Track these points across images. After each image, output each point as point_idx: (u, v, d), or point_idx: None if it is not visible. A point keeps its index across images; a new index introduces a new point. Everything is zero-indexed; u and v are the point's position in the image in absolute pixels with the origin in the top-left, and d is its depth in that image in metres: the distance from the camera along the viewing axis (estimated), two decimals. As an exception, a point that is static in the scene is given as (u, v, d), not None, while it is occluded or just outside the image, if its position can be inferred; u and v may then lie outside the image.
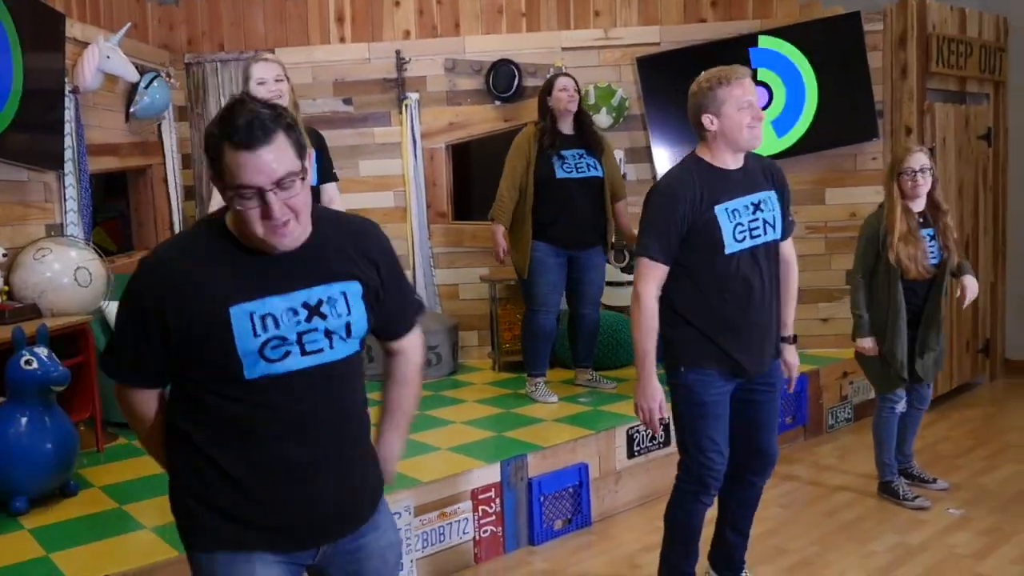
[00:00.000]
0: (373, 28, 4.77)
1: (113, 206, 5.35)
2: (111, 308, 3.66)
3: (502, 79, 4.68)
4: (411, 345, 1.61)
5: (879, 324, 3.18)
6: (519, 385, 4.08)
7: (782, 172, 2.41)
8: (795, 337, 2.47)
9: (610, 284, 4.65)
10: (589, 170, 3.79)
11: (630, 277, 4.63)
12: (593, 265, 3.90)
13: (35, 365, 2.69)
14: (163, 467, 1.52)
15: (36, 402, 2.71)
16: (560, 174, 3.75)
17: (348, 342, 1.42)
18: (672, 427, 2.54)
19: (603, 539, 3.13)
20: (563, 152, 3.76)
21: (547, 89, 3.79)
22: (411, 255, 4.81)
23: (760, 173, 2.34)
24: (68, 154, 3.73)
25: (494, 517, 3.00)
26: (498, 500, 3.01)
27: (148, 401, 1.48)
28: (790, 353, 2.46)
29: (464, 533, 2.93)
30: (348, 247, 1.44)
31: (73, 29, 3.84)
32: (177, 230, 4.66)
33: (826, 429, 4.31)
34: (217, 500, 1.40)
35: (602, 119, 4.61)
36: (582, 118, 3.83)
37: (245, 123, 1.28)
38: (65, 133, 3.71)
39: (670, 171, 2.37)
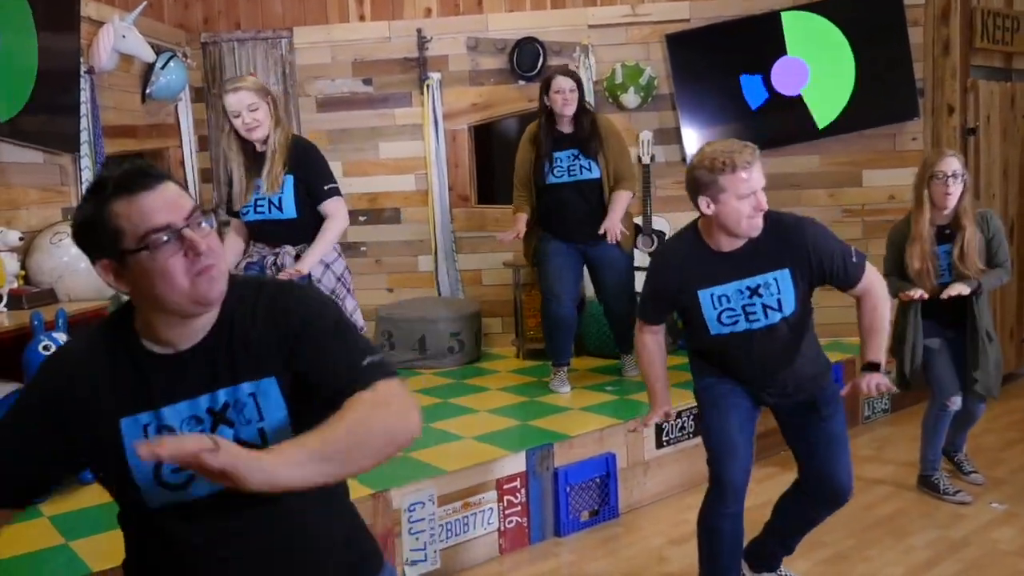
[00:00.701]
0: (393, 6, 4.68)
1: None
2: (129, 293, 3.62)
3: (526, 58, 4.57)
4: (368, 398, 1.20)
5: (898, 329, 3.14)
6: (544, 373, 4.00)
7: (815, 236, 2.17)
8: (877, 365, 2.27)
9: (637, 270, 4.54)
10: (582, 172, 3.66)
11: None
12: (605, 260, 3.75)
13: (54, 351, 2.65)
14: None
15: (54, 388, 2.67)
16: (551, 180, 3.68)
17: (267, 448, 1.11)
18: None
19: (630, 531, 3.08)
20: (557, 154, 3.66)
21: (544, 87, 3.66)
22: (433, 239, 4.73)
23: (772, 250, 2.15)
24: (84, 136, 3.70)
25: (519, 508, 2.95)
26: (523, 490, 2.96)
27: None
28: (864, 376, 2.30)
29: (488, 524, 2.88)
30: (266, 333, 1.19)
31: (88, 8, 3.79)
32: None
33: (862, 420, 4.20)
34: None
35: (630, 99, 4.49)
36: (581, 116, 3.64)
37: (125, 173, 1.12)
38: (81, 115, 3.67)
39: (668, 240, 2.41)
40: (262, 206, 2.88)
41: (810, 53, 4.40)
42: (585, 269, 3.84)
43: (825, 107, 4.43)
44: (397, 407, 1.14)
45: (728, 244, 2.15)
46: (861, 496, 3.29)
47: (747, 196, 2.05)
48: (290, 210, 2.87)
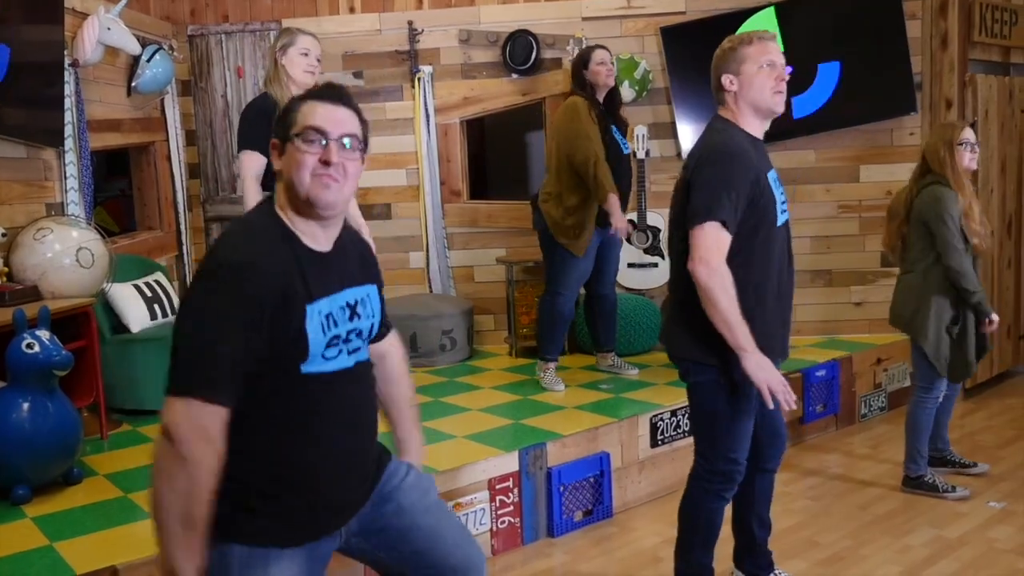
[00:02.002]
0: (384, -2, 4.62)
1: (115, 185, 5.27)
2: (114, 290, 3.57)
3: (519, 51, 4.51)
4: (395, 343, 1.73)
5: (945, 312, 3.06)
6: (537, 371, 3.95)
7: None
8: None
9: (632, 266, 4.51)
10: (625, 147, 3.76)
11: (653, 259, 4.49)
12: (615, 243, 3.84)
13: (37, 349, 2.63)
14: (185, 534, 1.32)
15: (38, 387, 2.65)
16: (626, 150, 3.72)
17: (367, 345, 1.55)
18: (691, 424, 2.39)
19: (625, 531, 3.05)
20: (612, 128, 3.68)
21: (583, 62, 3.65)
22: (424, 235, 4.68)
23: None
24: (68, 130, 3.64)
25: (512, 508, 2.91)
26: (516, 490, 2.92)
27: (221, 427, 1.33)
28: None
29: (480, 524, 2.85)
30: (363, 256, 1.58)
31: (72, 0, 3.71)
32: (181, 209, 4.57)
33: (859, 418, 4.17)
34: (252, 497, 1.41)
35: (625, 93, 4.44)
36: (615, 94, 3.75)
37: (327, 85, 1.47)
38: (65, 108, 3.61)
39: (719, 135, 2.11)
40: None
41: (806, 46, 4.35)
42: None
43: (821, 101, 4.40)
44: (405, 358, 1.79)
45: (759, 130, 2.14)
46: (857, 495, 3.27)
47: (769, 66, 2.07)
48: None
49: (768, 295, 2.13)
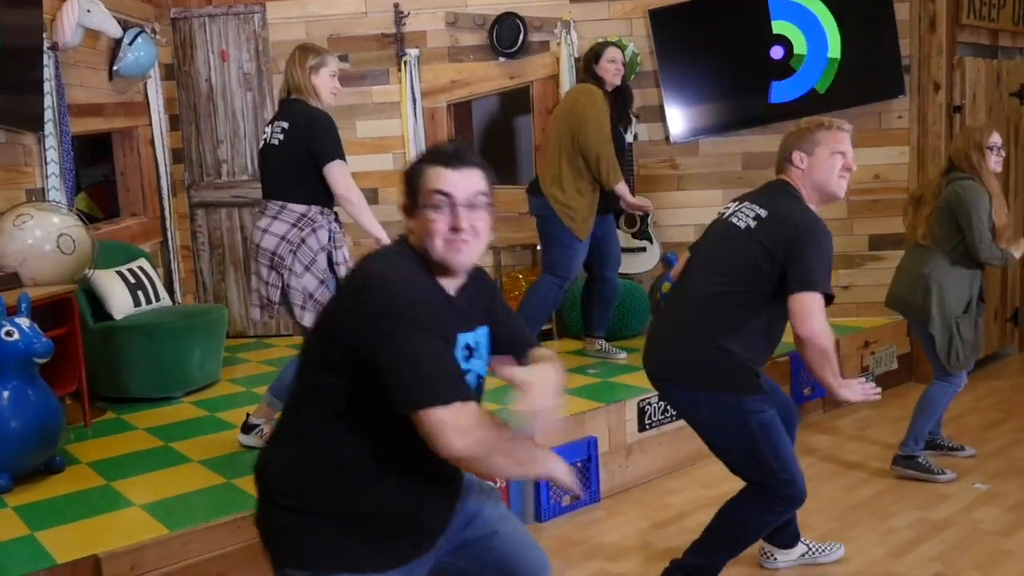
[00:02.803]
0: (370, -20, 4.56)
1: (99, 171, 5.21)
2: (97, 277, 3.53)
3: (506, 34, 4.47)
4: (546, 353, 1.68)
5: (963, 301, 3.13)
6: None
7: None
8: None
9: (622, 250, 4.50)
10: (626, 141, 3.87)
11: (641, 243, 4.48)
12: (612, 225, 3.91)
13: (16, 336, 2.60)
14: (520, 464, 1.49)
15: (18, 375, 2.62)
16: (629, 139, 3.84)
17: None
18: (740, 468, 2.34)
19: (613, 515, 3.05)
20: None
21: (595, 56, 3.69)
22: (412, 220, 4.64)
23: None
24: (48, 115, 3.60)
25: (499, 493, 2.89)
26: (503, 476, 2.90)
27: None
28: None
29: (468, 510, 2.83)
30: (481, 296, 1.58)
31: (51, -19, 3.65)
32: (165, 195, 4.52)
33: (845, 402, 4.16)
34: (352, 525, 1.43)
35: (612, 76, 4.41)
36: (624, 90, 3.81)
37: (455, 149, 1.47)
38: (45, 92, 3.56)
39: (800, 204, 2.23)
40: None
41: (794, 30, 4.33)
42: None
43: (810, 84, 4.38)
44: (558, 366, 1.69)
45: (813, 206, 2.25)
46: (843, 478, 3.29)
47: (838, 153, 2.20)
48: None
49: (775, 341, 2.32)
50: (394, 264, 1.45)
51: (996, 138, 3.15)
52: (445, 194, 1.42)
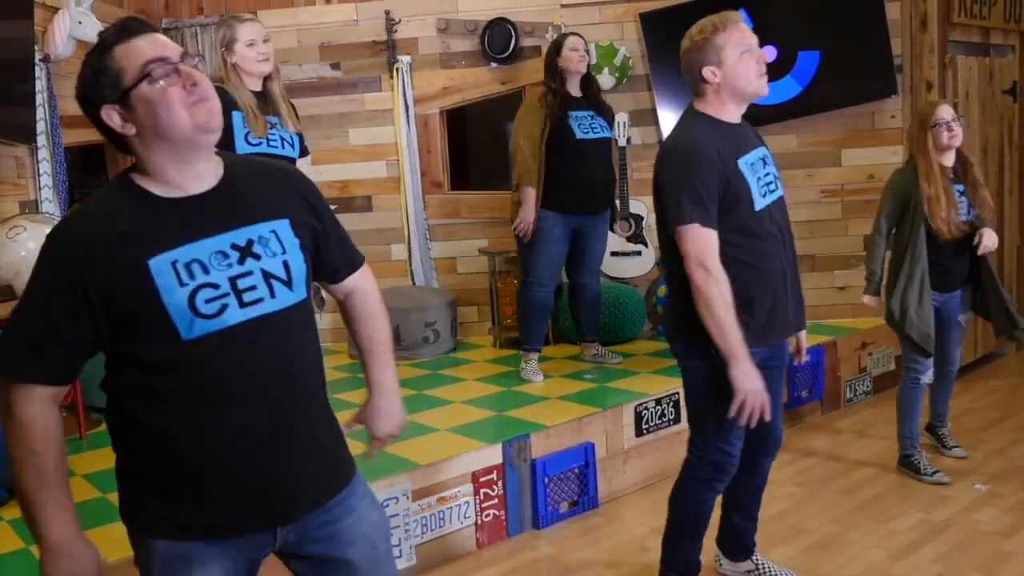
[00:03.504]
0: (361, -13, 4.56)
1: (94, 182, 5.20)
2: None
3: (498, 40, 4.47)
4: (362, 279, 1.55)
5: (899, 285, 3.06)
6: (519, 362, 3.93)
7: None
8: None
9: (615, 255, 4.49)
10: (602, 131, 3.69)
11: (636, 247, 4.47)
12: (598, 233, 3.80)
13: (9, 350, 2.56)
14: (35, 515, 1.27)
15: (11, 389, 2.58)
16: (579, 135, 3.63)
17: (290, 291, 1.33)
18: (687, 411, 2.37)
19: (611, 521, 3.03)
20: (576, 113, 3.64)
21: (556, 49, 3.65)
22: (406, 227, 4.64)
23: (753, 130, 2.22)
24: (40, 127, 3.58)
25: (496, 500, 2.89)
26: (500, 483, 2.90)
27: (45, 409, 1.26)
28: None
29: (465, 518, 2.82)
30: (271, 187, 1.37)
31: (41, -7, 3.65)
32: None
33: (844, 403, 4.17)
34: (164, 483, 1.30)
35: (604, 80, 4.41)
36: (591, 81, 3.73)
37: (123, 23, 1.27)
38: (37, 104, 3.55)
39: (683, 130, 2.15)
40: (275, 142, 2.83)
41: (786, 30, 4.34)
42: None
43: (801, 86, 4.38)
44: (379, 295, 1.58)
45: (737, 114, 2.13)
46: (843, 480, 3.27)
47: (748, 50, 2.05)
48: (297, 151, 2.93)
49: (773, 276, 2.12)
50: (84, 206, 1.30)
51: (943, 112, 2.98)
52: (162, 59, 1.22)
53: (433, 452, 2.85)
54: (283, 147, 2.86)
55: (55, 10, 3.68)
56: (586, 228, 3.73)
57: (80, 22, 3.65)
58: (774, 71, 4.33)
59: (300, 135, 2.97)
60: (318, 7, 4.56)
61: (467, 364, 4.18)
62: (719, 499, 2.42)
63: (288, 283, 1.32)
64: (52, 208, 3.60)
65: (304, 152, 3.02)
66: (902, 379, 3.23)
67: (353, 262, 1.52)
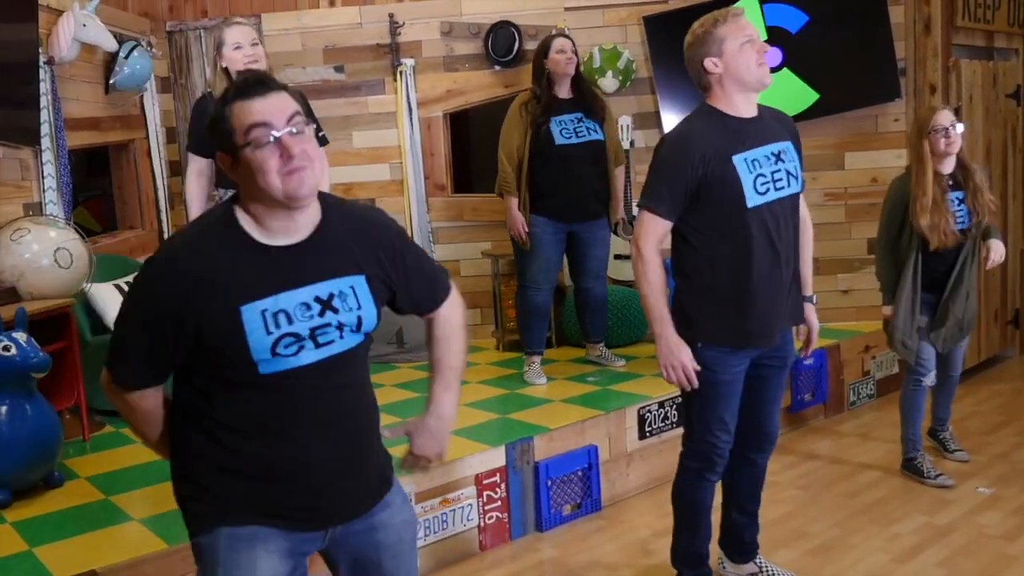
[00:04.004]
0: (364, -9, 4.58)
1: (98, 184, 5.21)
2: (94, 291, 3.52)
3: (501, 42, 4.48)
4: (447, 309, 1.62)
5: (896, 293, 3.07)
6: (523, 364, 3.93)
7: (794, 124, 2.30)
8: (814, 297, 2.35)
9: (619, 257, 4.49)
10: (589, 134, 3.63)
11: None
12: (596, 240, 3.74)
13: (13, 351, 2.59)
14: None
15: (16, 390, 2.61)
16: (559, 140, 3.59)
17: (358, 334, 1.45)
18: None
19: (614, 524, 3.03)
20: (561, 117, 3.60)
21: (543, 51, 3.62)
22: (409, 230, 4.64)
23: (775, 122, 2.21)
24: (45, 129, 3.58)
25: (499, 503, 2.89)
26: (503, 485, 2.90)
27: (156, 398, 1.47)
28: (811, 312, 2.34)
29: (468, 520, 2.82)
30: (355, 240, 1.45)
31: (47, -4, 3.66)
32: (163, 207, 4.52)
33: (847, 406, 4.16)
34: (229, 486, 1.41)
35: (608, 83, 4.41)
36: (580, 81, 3.66)
37: (244, 80, 1.36)
38: (41, 107, 3.56)
39: (681, 122, 2.23)
40: None
41: (789, 34, 4.33)
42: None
43: (799, 91, 4.38)
44: (461, 321, 1.62)
45: (746, 107, 2.13)
46: (846, 483, 3.27)
47: (747, 42, 2.07)
48: None
49: (752, 276, 2.12)
50: (180, 235, 1.45)
51: (941, 118, 2.95)
52: (264, 124, 1.31)
53: (436, 454, 2.86)
54: None
55: (60, 13, 3.69)
56: (583, 234, 3.70)
57: (84, 25, 3.67)
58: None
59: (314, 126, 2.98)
60: (322, 10, 4.58)
61: (470, 367, 4.17)
62: (719, 499, 2.43)
63: (357, 330, 1.43)
64: (56, 210, 3.61)
65: (322, 142, 3.02)
66: (904, 382, 3.24)
67: (436, 297, 1.59)
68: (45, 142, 3.58)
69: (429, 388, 1.64)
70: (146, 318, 1.37)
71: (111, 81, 4.09)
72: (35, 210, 3.55)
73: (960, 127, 2.99)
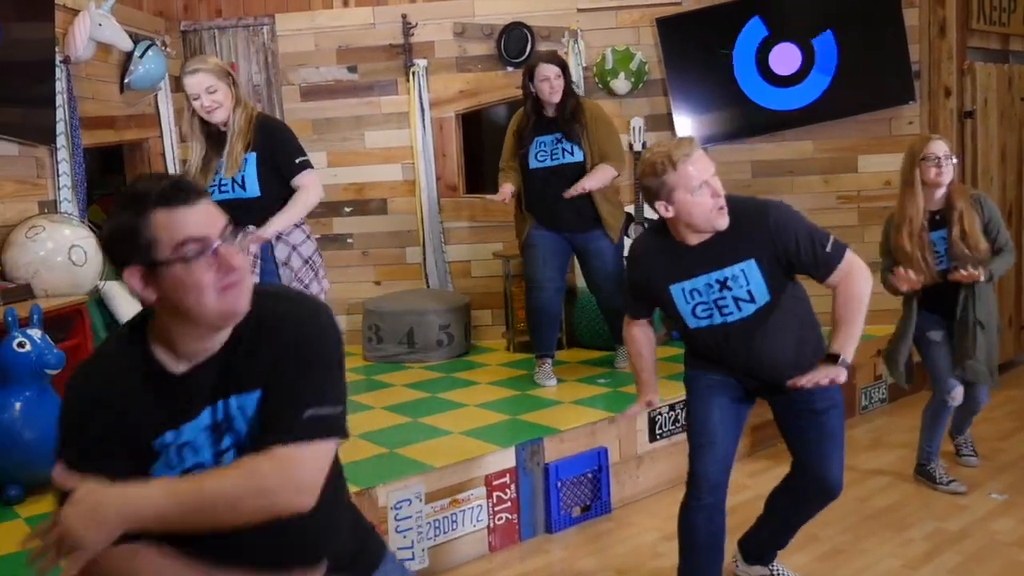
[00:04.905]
0: (378, -9, 4.59)
1: (112, 182, 5.25)
2: (108, 288, 3.55)
3: (514, 44, 4.48)
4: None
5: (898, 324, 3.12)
6: (534, 366, 3.93)
7: (777, 221, 2.08)
8: (839, 358, 2.09)
9: (629, 259, 4.48)
10: (564, 156, 3.59)
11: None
12: (593, 251, 3.68)
13: (28, 348, 2.61)
14: None
15: (30, 386, 2.63)
16: (533, 164, 3.63)
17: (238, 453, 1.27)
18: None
19: (623, 527, 3.02)
20: (541, 138, 3.61)
21: (529, 74, 3.58)
22: (420, 230, 4.65)
23: (735, 241, 2.06)
24: (60, 127, 3.61)
25: (509, 504, 2.89)
26: (513, 486, 2.89)
27: None
28: (822, 365, 2.11)
29: (478, 521, 2.82)
30: (265, 344, 1.25)
31: (63, -5, 3.69)
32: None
33: (859, 411, 4.14)
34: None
35: (620, 85, 4.41)
36: (567, 101, 3.56)
37: (171, 185, 1.18)
38: (57, 105, 3.58)
39: (641, 234, 2.45)
40: (225, 186, 2.85)
41: (803, 36, 4.32)
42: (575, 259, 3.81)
43: (818, 92, 4.36)
44: (278, 480, 1.18)
45: (695, 238, 2.09)
46: (858, 488, 3.25)
47: (699, 187, 1.99)
48: (253, 188, 2.85)
49: (717, 349, 2.21)
50: (98, 359, 1.29)
51: (936, 147, 2.88)
52: (201, 239, 1.16)
53: (446, 455, 2.85)
54: (233, 190, 2.84)
55: (76, 12, 3.72)
56: (579, 244, 3.69)
57: (100, 24, 3.70)
58: (791, 77, 4.35)
59: (261, 157, 2.84)
60: (336, 10, 4.59)
61: (480, 367, 4.18)
62: (748, 510, 2.46)
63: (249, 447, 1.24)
64: (71, 208, 3.63)
65: (297, 170, 2.87)
66: (932, 398, 3.20)
67: (274, 434, 1.25)
68: (60, 140, 3.61)
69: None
70: (72, 442, 1.24)
71: (126, 80, 4.12)
72: (50, 208, 3.58)
73: (950, 159, 2.90)
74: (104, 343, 1.34)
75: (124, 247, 1.18)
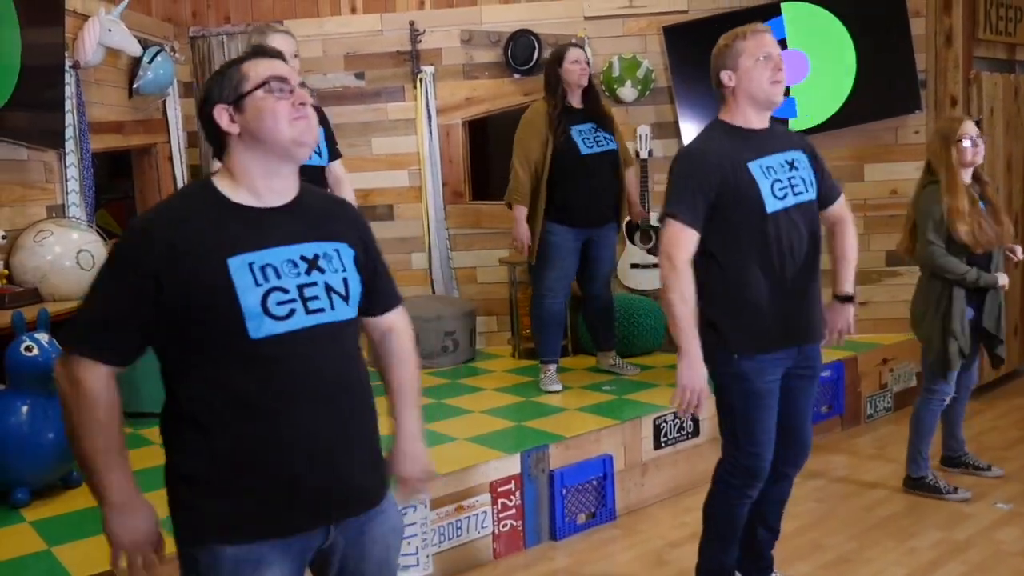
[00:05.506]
0: (386, -2, 4.61)
1: (120, 187, 5.27)
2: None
3: (521, 51, 4.49)
4: (401, 320, 1.61)
5: (939, 306, 3.04)
6: (539, 372, 3.93)
7: (806, 139, 2.36)
8: (851, 297, 2.35)
9: (635, 267, 4.49)
10: (607, 143, 3.69)
11: (655, 260, 4.45)
12: (607, 243, 3.81)
13: (36, 351, 2.62)
14: (100, 479, 1.36)
15: (37, 390, 2.63)
16: (584, 150, 3.63)
17: (347, 305, 1.43)
18: (717, 418, 2.38)
19: (629, 534, 3.02)
20: (577, 127, 3.63)
21: (557, 60, 3.64)
22: (427, 236, 4.66)
23: (787, 135, 2.32)
24: (69, 132, 3.64)
25: (514, 511, 2.89)
26: (518, 493, 2.89)
27: (108, 382, 1.35)
28: (838, 310, 2.34)
29: (482, 527, 2.82)
30: (333, 214, 1.51)
31: (73, 1, 3.72)
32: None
33: (864, 419, 4.13)
34: (225, 484, 1.35)
35: (627, 92, 4.42)
36: (591, 91, 3.69)
37: (258, 48, 1.48)
38: (66, 110, 3.61)
39: (697, 137, 2.30)
40: None
41: (809, 44, 4.33)
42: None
43: (822, 102, 4.36)
44: (413, 339, 1.63)
45: (758, 120, 2.19)
46: (863, 497, 3.24)
47: (762, 59, 2.12)
48: (326, 157, 3.05)
49: (763, 285, 2.14)
50: (166, 202, 1.47)
51: (969, 128, 2.97)
52: (281, 78, 1.39)
53: (451, 461, 2.85)
54: (309, 157, 2.92)
55: (85, 17, 3.75)
56: (596, 239, 3.74)
57: (110, 30, 3.72)
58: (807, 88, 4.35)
59: (328, 139, 3.07)
60: (343, 17, 4.61)
61: (486, 374, 4.18)
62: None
63: (346, 298, 1.43)
64: (79, 213, 3.65)
65: (335, 155, 3.11)
66: (921, 399, 3.19)
67: (394, 297, 1.60)
68: (69, 145, 3.63)
69: (393, 414, 1.58)
70: (121, 280, 1.33)
71: (134, 86, 4.14)
72: (58, 212, 3.60)
73: (984, 138, 3.02)
74: (168, 200, 1.48)
75: (218, 87, 1.40)
